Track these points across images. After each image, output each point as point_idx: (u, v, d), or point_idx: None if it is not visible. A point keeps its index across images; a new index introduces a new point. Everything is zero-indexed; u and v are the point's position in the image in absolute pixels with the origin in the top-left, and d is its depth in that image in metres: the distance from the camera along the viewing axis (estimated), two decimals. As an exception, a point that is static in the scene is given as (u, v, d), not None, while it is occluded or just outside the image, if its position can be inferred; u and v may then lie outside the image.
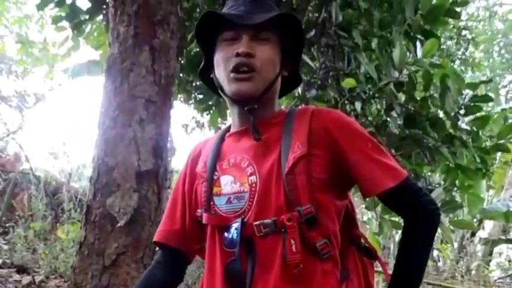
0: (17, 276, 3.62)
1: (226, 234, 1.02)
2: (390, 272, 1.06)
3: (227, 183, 1.07)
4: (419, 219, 1.04)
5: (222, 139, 1.18)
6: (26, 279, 3.50)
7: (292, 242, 0.96)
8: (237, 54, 1.05)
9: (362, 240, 1.17)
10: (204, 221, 1.08)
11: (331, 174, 1.03)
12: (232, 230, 1.01)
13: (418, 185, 1.08)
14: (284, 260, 0.96)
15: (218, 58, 1.10)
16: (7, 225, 5.00)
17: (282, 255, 0.97)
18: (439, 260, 7.78)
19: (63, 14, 3.51)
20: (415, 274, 1.03)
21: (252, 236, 1.00)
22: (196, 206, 1.14)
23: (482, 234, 7.93)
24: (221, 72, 1.09)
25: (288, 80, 1.18)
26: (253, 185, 1.03)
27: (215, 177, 1.09)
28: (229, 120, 1.27)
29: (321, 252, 0.99)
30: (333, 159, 1.04)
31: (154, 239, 1.21)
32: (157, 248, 1.25)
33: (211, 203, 1.07)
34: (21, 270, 3.82)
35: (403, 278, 1.03)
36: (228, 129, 1.21)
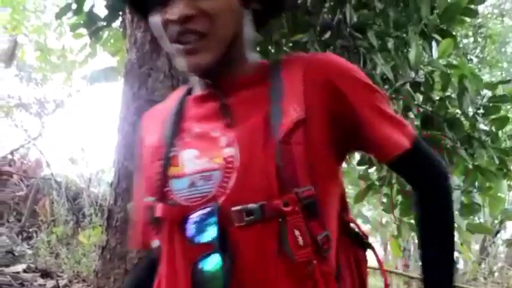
0: (41, 281, 3.69)
1: (188, 225, 0.76)
2: (387, 267, 0.97)
3: (189, 160, 0.80)
4: (440, 184, 0.87)
5: (182, 104, 0.90)
6: (50, 283, 3.57)
7: (297, 233, 0.72)
8: (171, 22, 0.77)
9: (352, 226, 0.93)
10: (156, 214, 0.79)
11: (331, 138, 0.80)
12: (196, 218, 0.75)
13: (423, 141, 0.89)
14: (283, 256, 0.72)
15: (155, 29, 0.81)
16: (30, 230, 5.10)
17: (276, 250, 0.73)
18: (458, 262, 7.66)
19: (81, 22, 3.58)
20: (448, 250, 0.84)
21: (226, 227, 0.73)
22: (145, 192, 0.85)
23: (504, 235, 7.80)
24: (165, 46, 0.83)
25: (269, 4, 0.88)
26: (229, 159, 0.76)
27: (172, 154, 0.82)
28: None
29: (322, 247, 0.75)
30: (334, 118, 0.80)
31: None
32: None
33: (166, 189, 0.80)
34: (45, 274, 3.89)
35: (438, 256, 0.84)
36: (189, 91, 0.92)
